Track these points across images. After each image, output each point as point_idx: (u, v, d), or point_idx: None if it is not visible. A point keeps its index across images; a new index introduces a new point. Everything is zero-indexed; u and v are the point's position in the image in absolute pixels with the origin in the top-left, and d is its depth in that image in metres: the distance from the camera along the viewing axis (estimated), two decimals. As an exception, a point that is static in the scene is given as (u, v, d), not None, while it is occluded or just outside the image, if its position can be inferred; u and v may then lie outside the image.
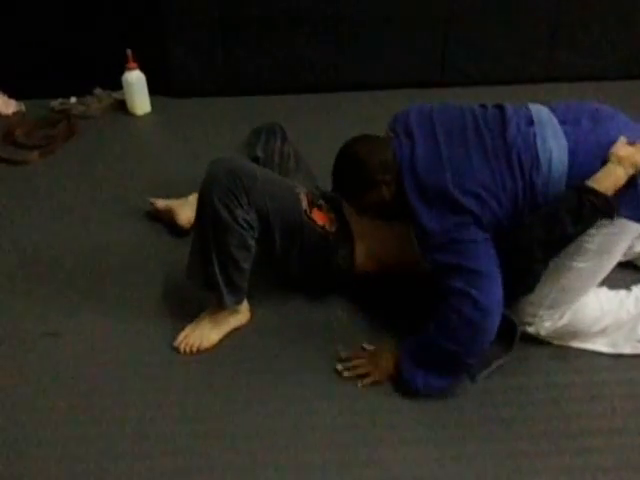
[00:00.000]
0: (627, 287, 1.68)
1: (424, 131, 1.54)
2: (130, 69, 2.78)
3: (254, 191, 1.54)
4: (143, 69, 2.83)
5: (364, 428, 1.44)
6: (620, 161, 1.40)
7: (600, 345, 1.63)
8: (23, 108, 2.88)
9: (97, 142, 2.67)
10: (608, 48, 3.10)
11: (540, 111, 1.54)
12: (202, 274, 1.61)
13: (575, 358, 1.61)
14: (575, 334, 1.62)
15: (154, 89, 2.90)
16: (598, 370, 1.58)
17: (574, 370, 1.58)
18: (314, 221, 1.65)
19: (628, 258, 1.84)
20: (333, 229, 1.69)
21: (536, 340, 1.63)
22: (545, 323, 1.58)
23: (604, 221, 1.43)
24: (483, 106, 1.59)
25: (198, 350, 1.63)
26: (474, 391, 1.51)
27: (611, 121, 1.50)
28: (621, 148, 1.42)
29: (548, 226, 1.42)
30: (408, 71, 3.06)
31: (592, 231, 1.44)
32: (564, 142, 1.45)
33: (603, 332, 1.60)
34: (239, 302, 1.67)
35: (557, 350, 1.63)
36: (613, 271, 1.57)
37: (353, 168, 1.57)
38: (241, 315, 1.70)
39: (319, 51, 2.96)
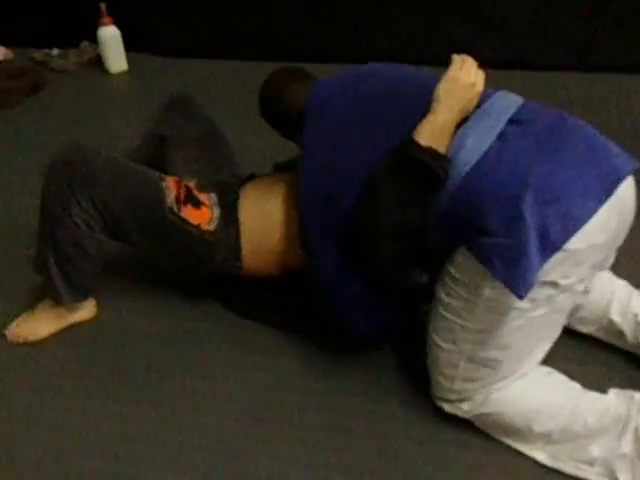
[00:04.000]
0: (603, 388, 1.24)
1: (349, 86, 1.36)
2: (104, 24, 2.67)
3: (98, 187, 1.37)
4: (120, 24, 2.70)
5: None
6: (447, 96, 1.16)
7: (537, 451, 1.23)
8: (10, 56, 2.86)
9: (62, 99, 2.58)
10: None
11: (500, 98, 1.22)
12: (40, 265, 1.48)
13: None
14: (504, 429, 1.25)
15: (133, 46, 2.77)
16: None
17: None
18: (184, 220, 1.43)
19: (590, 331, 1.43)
20: (212, 227, 1.46)
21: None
22: (463, 405, 1.25)
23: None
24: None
25: (25, 342, 1.53)
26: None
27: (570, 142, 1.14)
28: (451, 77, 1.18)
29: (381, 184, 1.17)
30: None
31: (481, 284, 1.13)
32: (485, 146, 1.14)
33: (546, 438, 1.22)
34: (80, 299, 1.52)
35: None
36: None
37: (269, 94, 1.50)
38: (83, 311, 1.55)
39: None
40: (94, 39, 2.82)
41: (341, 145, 1.30)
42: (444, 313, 1.22)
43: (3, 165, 2.20)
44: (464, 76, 1.19)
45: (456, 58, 1.23)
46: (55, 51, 2.84)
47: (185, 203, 1.46)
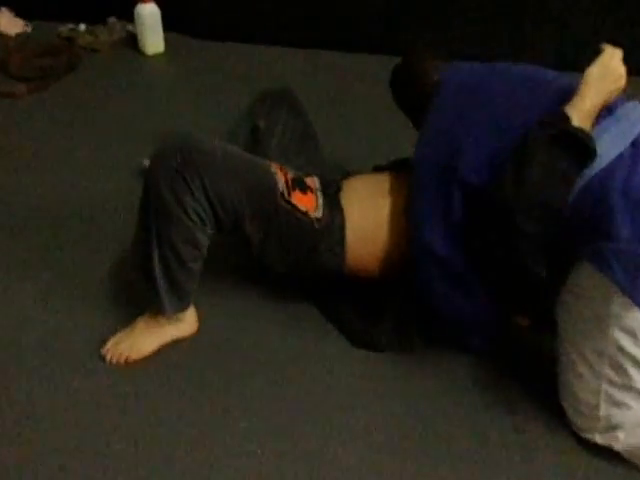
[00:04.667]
0: None
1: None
2: (143, 1, 2.47)
3: (211, 173, 1.28)
4: (160, 3, 2.51)
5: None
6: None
7: None
8: (29, 30, 2.62)
9: (97, 81, 2.39)
10: None
11: (634, 107, 1.23)
12: (142, 268, 1.36)
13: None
14: None
15: (170, 26, 2.58)
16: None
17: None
18: (294, 206, 1.37)
19: None
20: (319, 214, 1.40)
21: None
22: (618, 433, 1.16)
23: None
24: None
25: (126, 362, 1.39)
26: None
27: None
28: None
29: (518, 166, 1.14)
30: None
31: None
32: (618, 150, 1.14)
33: None
34: (183, 309, 1.41)
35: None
36: None
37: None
38: (185, 325, 1.43)
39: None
40: (123, 15, 2.63)
41: (469, 117, 1.28)
42: (573, 338, 1.18)
43: (52, 149, 2.03)
44: (615, 65, 1.19)
45: (608, 47, 1.22)
46: (82, 27, 2.62)
47: (293, 188, 1.40)
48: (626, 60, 1.21)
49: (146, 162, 1.87)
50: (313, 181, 1.48)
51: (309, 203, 1.41)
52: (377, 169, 1.65)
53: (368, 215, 1.43)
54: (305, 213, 1.38)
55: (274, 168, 1.41)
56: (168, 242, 1.30)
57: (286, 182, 1.39)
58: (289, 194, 1.38)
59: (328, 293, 1.52)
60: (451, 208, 1.26)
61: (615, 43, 1.23)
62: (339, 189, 1.48)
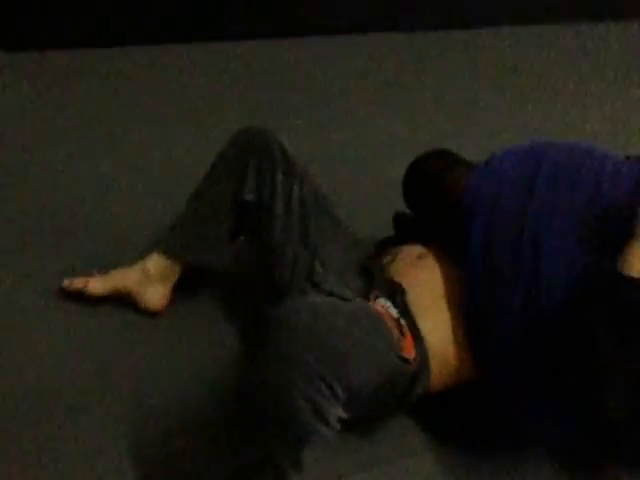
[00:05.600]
0: None
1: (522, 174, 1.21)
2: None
3: (349, 367, 0.93)
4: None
5: None
6: None
7: None
8: None
9: None
10: None
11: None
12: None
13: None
14: None
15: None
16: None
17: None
18: (406, 361, 1.10)
19: None
20: (415, 353, 1.14)
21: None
22: None
23: None
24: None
25: None
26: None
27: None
28: None
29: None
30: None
31: None
32: None
33: None
34: None
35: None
36: None
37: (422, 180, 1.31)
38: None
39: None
40: None
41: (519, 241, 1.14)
42: None
43: None
44: None
45: None
46: None
47: (402, 337, 1.13)
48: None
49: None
50: (386, 306, 1.17)
51: (409, 347, 1.13)
52: (399, 219, 1.46)
53: (440, 332, 1.21)
54: (407, 360, 1.11)
55: (390, 324, 1.10)
56: (294, 461, 0.96)
57: (398, 338, 1.11)
58: (402, 348, 1.10)
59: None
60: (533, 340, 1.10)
61: None
62: (404, 291, 1.22)
